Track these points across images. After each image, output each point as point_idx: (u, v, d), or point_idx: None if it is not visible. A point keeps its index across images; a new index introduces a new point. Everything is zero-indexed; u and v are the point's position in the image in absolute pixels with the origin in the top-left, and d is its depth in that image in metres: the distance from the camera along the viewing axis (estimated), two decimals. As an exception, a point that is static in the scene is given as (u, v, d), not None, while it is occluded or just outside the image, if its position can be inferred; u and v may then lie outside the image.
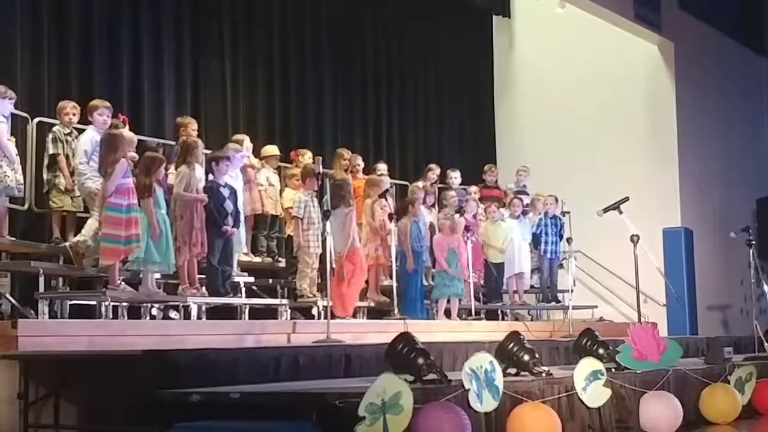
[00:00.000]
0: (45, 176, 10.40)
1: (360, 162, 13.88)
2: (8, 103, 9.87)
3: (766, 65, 21.84)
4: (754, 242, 12.43)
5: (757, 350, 11.38)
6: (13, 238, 9.96)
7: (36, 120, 10.80)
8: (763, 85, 21.67)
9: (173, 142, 11.54)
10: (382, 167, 14.07)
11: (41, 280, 9.48)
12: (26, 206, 10.51)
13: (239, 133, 12.80)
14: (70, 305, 9.75)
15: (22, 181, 9.90)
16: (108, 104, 10.59)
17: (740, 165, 20.01)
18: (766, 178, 20.70)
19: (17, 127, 10.38)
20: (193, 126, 11.67)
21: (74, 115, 10.54)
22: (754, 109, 21.14)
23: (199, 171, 10.71)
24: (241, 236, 11.66)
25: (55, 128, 10.47)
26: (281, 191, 12.81)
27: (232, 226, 10.80)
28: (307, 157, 13.09)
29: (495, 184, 15.76)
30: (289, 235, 12.56)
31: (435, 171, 14.77)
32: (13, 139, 10.01)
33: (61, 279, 10.19)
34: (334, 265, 11.34)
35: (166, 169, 10.46)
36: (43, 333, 7.72)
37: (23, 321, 7.80)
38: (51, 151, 10.33)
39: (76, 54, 12.30)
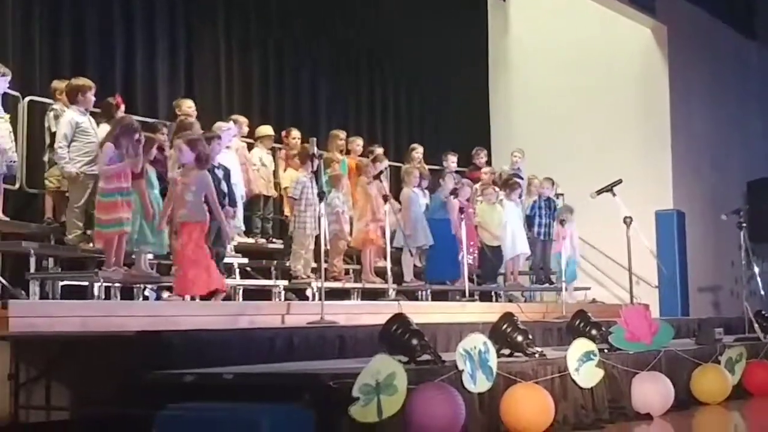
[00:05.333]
0: (46, 155, 10.34)
1: (359, 143, 13.98)
2: (3, 80, 9.78)
3: (756, 50, 21.82)
4: (744, 224, 12.42)
5: (747, 331, 11.38)
6: (6, 218, 9.90)
7: (27, 99, 10.73)
8: (753, 69, 21.66)
9: (166, 122, 11.51)
10: (379, 151, 14.06)
11: (32, 260, 9.44)
12: (17, 186, 10.46)
13: (234, 114, 12.78)
14: (62, 286, 9.70)
15: (14, 159, 9.85)
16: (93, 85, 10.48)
17: (731, 148, 20.03)
18: (756, 161, 20.72)
19: (8, 106, 10.30)
20: (187, 104, 11.59)
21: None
22: (744, 93, 21.12)
23: None
24: (239, 217, 11.63)
25: (56, 106, 10.40)
26: (275, 171, 12.81)
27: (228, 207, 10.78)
28: (293, 136, 13.09)
29: (485, 166, 15.72)
30: (286, 216, 12.57)
31: (418, 150, 14.70)
32: (7, 116, 9.92)
33: (52, 259, 10.13)
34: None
35: (161, 150, 10.44)
36: (34, 314, 7.69)
37: (14, 302, 7.75)
38: (54, 129, 10.25)
39: (68, 32, 12.24)
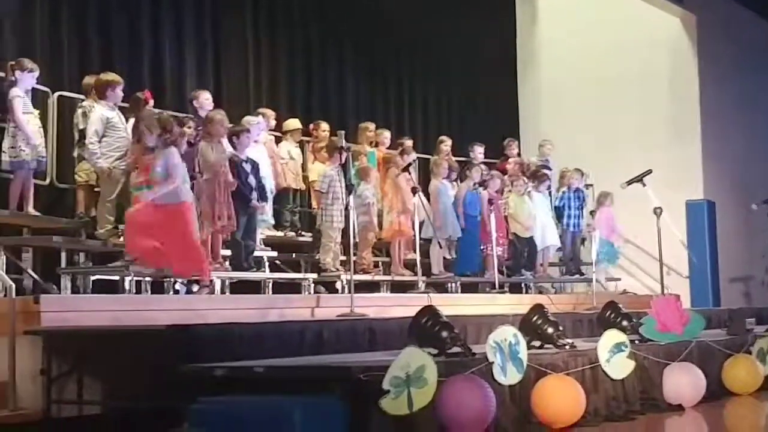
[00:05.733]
0: (75, 151, 10.39)
1: (387, 135, 13.95)
2: (30, 77, 9.84)
3: (786, 39, 21.66)
4: (774, 214, 12.38)
5: (778, 321, 11.33)
6: (38, 213, 9.96)
7: (56, 94, 10.78)
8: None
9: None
10: (408, 143, 14.06)
11: (63, 255, 9.48)
12: (48, 181, 10.51)
13: (261, 107, 12.81)
14: (93, 280, 9.74)
15: (44, 155, 9.91)
16: (122, 80, 10.52)
17: (762, 137, 19.86)
18: (788, 150, 20.57)
19: (38, 101, 10.36)
20: (204, 96, 11.57)
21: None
22: (774, 82, 20.96)
23: (224, 144, 10.66)
24: (268, 211, 11.66)
25: (85, 103, 10.44)
26: (303, 165, 12.84)
27: (258, 201, 10.79)
28: (322, 128, 13.10)
29: (516, 157, 15.67)
30: (315, 209, 12.59)
31: (446, 142, 14.68)
32: (37, 112, 9.98)
33: (83, 254, 10.18)
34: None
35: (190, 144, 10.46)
36: (65, 308, 7.69)
37: (45, 296, 7.77)
38: (81, 126, 10.29)
39: (96, 26, 12.26)
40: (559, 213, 15.10)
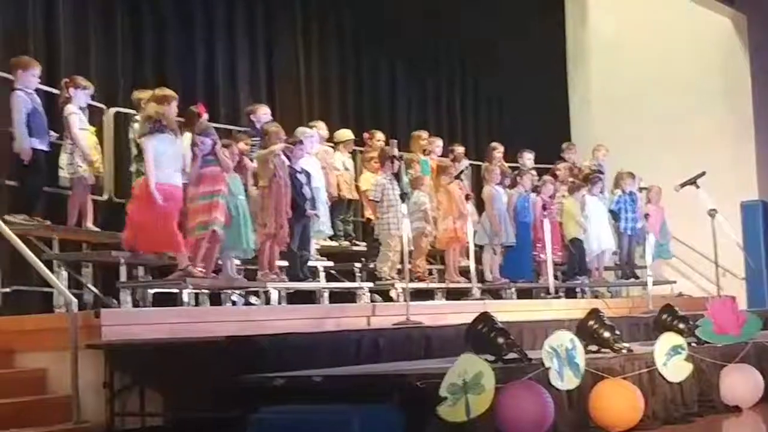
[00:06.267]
0: (132, 166, 10.50)
1: (439, 143, 13.96)
2: (84, 94, 9.98)
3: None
4: (831, 214, 12.27)
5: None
6: (97, 229, 10.10)
7: (112, 110, 10.92)
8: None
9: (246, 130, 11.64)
10: (459, 150, 14.11)
11: (122, 269, 9.60)
12: (106, 197, 10.65)
13: (313, 119, 12.93)
14: (152, 294, 9.85)
15: (101, 170, 10.04)
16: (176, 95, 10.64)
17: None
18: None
19: (93, 118, 10.52)
20: (263, 110, 11.68)
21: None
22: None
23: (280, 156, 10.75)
24: (325, 220, 11.74)
25: (138, 117, 10.50)
26: (357, 174, 12.90)
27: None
28: (377, 138, 13.16)
29: (572, 162, 15.63)
30: (368, 218, 12.64)
31: (499, 149, 14.63)
32: (93, 129, 10.13)
33: (142, 268, 10.29)
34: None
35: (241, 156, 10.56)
36: (126, 322, 7.80)
37: (106, 311, 7.87)
38: (137, 141, 10.40)
39: (149, 42, 12.45)
40: (615, 216, 15.03)
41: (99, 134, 10.38)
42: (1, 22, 10.64)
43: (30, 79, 9.48)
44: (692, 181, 11.04)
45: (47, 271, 8.39)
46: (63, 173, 9.81)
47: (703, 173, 11.04)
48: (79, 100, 9.92)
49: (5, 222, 8.67)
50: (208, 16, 13.27)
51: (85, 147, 9.79)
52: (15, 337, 7.87)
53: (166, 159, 9.27)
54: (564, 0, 19.44)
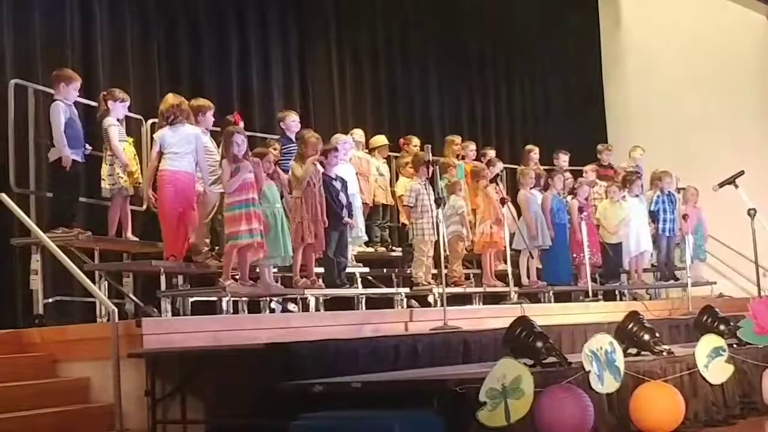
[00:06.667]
0: None
1: (472, 148, 13.99)
2: (122, 106, 10.08)
3: None
4: None
5: None
6: (136, 239, 10.18)
7: (149, 122, 11.00)
8: None
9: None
10: (491, 153, 14.11)
11: (162, 278, 9.66)
12: (144, 207, 10.72)
13: (347, 126, 12.99)
14: (192, 302, 9.92)
15: (140, 181, 10.12)
16: (212, 105, 10.71)
17: None
18: None
19: (131, 129, 10.61)
20: (291, 117, 11.73)
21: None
22: None
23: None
24: (360, 226, 11.78)
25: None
26: (392, 180, 12.92)
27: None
28: (413, 143, 13.18)
29: (609, 164, 15.58)
30: (403, 224, 12.66)
31: (535, 151, 14.68)
32: (131, 140, 10.24)
33: (181, 277, 10.35)
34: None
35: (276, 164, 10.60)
36: (166, 330, 7.83)
37: (147, 319, 7.91)
38: None
39: (185, 53, 12.56)
40: (654, 217, 14.95)
41: (137, 145, 10.49)
42: (40, 34, 10.77)
43: (71, 93, 9.62)
44: (731, 181, 10.99)
45: (89, 281, 8.50)
46: (104, 184, 9.91)
47: (742, 172, 10.98)
48: (117, 112, 10.02)
49: (47, 233, 8.80)
50: (242, 27, 13.35)
51: (125, 158, 9.89)
52: (58, 347, 7.98)
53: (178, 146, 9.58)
54: (597, 1, 19.39)
